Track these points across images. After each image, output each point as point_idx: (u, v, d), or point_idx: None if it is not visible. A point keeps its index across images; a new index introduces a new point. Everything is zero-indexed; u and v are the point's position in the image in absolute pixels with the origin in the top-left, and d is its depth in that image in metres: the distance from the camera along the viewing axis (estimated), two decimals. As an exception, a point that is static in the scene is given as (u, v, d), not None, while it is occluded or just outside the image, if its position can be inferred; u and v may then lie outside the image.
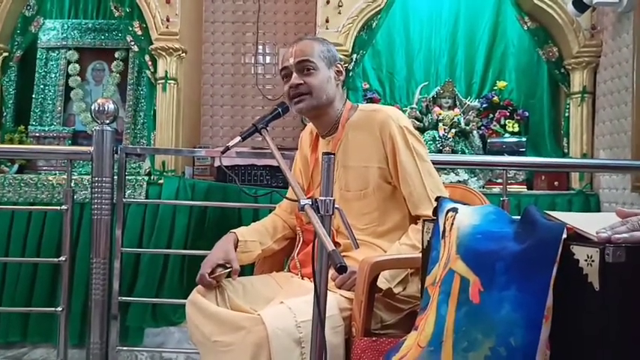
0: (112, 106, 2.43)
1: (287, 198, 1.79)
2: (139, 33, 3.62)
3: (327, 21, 3.57)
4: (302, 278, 1.74)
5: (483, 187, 3.46)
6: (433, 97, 3.78)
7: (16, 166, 3.51)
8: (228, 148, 1.56)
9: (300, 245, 1.81)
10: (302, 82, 1.69)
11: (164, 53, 3.53)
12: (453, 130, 3.63)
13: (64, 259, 2.45)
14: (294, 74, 1.70)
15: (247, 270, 2.06)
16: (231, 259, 1.69)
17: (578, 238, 0.96)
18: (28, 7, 3.83)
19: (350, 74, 3.65)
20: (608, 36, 3.31)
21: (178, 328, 3.11)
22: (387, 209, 1.71)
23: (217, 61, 4.26)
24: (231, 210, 3.13)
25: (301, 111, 1.72)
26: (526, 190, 3.46)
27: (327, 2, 3.57)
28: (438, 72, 3.92)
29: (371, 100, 3.76)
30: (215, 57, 4.26)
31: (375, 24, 3.65)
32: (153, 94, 3.62)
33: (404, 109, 3.73)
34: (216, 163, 3.47)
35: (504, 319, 0.95)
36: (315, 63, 1.70)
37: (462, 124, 3.65)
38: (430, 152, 3.38)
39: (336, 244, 1.70)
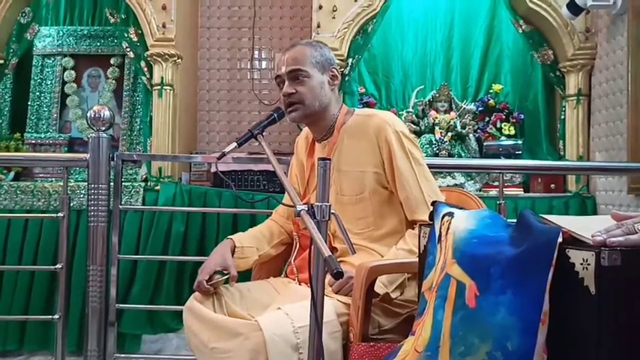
0: (107, 113, 2.43)
1: (283, 204, 1.79)
2: (135, 39, 3.62)
3: (323, 26, 3.57)
4: (299, 284, 1.74)
5: (480, 190, 3.46)
6: (429, 100, 3.78)
7: (12, 174, 3.50)
8: (224, 154, 1.56)
9: (296, 251, 1.82)
10: (294, 90, 1.70)
11: (160, 59, 3.53)
12: (450, 134, 3.63)
13: (60, 266, 2.44)
14: (286, 82, 1.71)
15: (244, 276, 2.06)
16: (229, 265, 1.69)
17: (574, 241, 0.96)
18: (24, 14, 3.82)
19: (346, 79, 3.65)
20: (603, 38, 3.32)
21: (176, 334, 3.10)
22: (383, 214, 1.71)
23: (213, 67, 4.26)
24: (228, 216, 3.12)
25: (294, 120, 1.74)
26: (523, 192, 3.46)
27: (323, 7, 3.57)
28: (433, 76, 3.93)
29: (367, 105, 3.76)
30: (211, 62, 4.26)
31: (370, 28, 3.66)
32: (149, 100, 3.61)
33: (400, 113, 3.73)
34: (213, 169, 3.46)
35: (501, 324, 0.95)
36: (306, 71, 1.70)
37: (458, 128, 3.65)
38: (427, 156, 3.41)
39: (333, 249, 1.70)
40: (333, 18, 3.55)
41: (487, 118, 3.75)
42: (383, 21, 3.71)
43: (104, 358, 2.39)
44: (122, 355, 2.69)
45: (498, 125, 3.70)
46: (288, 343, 1.39)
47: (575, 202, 3.28)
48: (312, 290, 1.21)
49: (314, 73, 1.71)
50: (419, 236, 1.34)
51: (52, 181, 3.40)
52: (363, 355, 1.44)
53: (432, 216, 1.26)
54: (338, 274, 1.02)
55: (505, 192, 2.79)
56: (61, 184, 2.65)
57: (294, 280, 1.77)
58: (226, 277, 1.67)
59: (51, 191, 3.20)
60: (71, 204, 2.57)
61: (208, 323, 1.50)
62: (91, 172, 2.39)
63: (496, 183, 3.38)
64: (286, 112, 1.72)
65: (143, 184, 3.30)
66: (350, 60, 3.62)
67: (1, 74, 3.78)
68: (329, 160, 1.28)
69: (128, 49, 3.66)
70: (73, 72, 3.85)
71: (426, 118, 3.72)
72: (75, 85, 3.85)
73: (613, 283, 0.89)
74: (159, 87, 3.53)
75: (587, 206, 3.28)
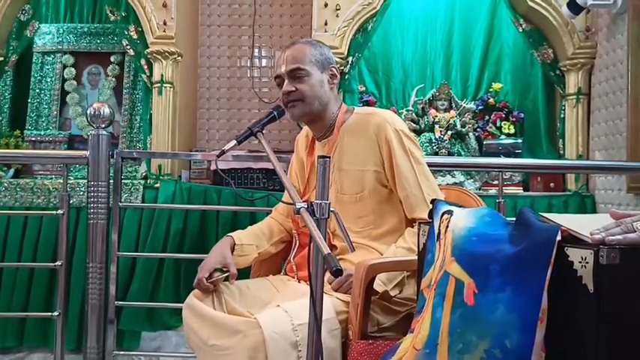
0: (107, 111, 2.43)
1: (283, 201, 1.79)
2: (135, 37, 3.61)
3: (323, 24, 3.57)
4: (298, 281, 1.75)
5: (480, 189, 3.46)
6: (429, 99, 3.78)
7: (12, 171, 3.50)
8: (224, 152, 1.56)
9: (296, 248, 1.82)
10: (294, 88, 1.71)
11: (160, 57, 3.52)
12: (449, 132, 3.63)
13: (60, 263, 2.45)
14: (286, 81, 1.72)
15: (243, 273, 2.07)
16: (229, 263, 1.69)
17: (573, 240, 0.96)
18: (24, 12, 3.82)
19: (346, 77, 3.65)
20: (603, 37, 3.32)
21: (175, 332, 3.10)
22: (383, 212, 1.71)
23: (213, 65, 4.26)
24: (227, 213, 3.12)
25: (294, 115, 1.74)
26: (522, 191, 3.46)
27: (324, 5, 3.57)
28: (433, 74, 3.92)
29: (367, 103, 3.76)
30: (211, 60, 4.26)
31: (370, 27, 3.65)
32: (149, 97, 3.61)
33: (400, 111, 3.73)
34: (213, 167, 3.46)
35: (499, 321, 0.95)
36: (306, 69, 1.71)
37: (458, 126, 3.65)
38: (426, 154, 3.41)
39: (333, 247, 1.71)
40: (337, 17, 3.55)
41: (487, 117, 3.75)
42: (383, 19, 3.70)
43: (103, 356, 2.39)
44: (121, 353, 2.69)
45: (498, 124, 3.70)
46: (288, 340, 1.39)
47: (574, 201, 3.29)
48: (311, 288, 1.21)
49: (313, 71, 1.72)
50: (418, 234, 1.34)
51: (51, 178, 3.40)
52: (362, 352, 1.44)
53: (431, 214, 1.26)
54: (337, 272, 1.02)
55: (504, 191, 2.79)
56: (61, 181, 2.65)
57: (294, 277, 1.77)
58: (226, 274, 1.67)
59: (51, 188, 3.20)
60: (71, 201, 2.57)
61: (208, 321, 1.50)
62: (90, 170, 2.39)
63: (496, 182, 3.39)
64: (286, 108, 1.72)
65: (143, 181, 3.30)
66: (350, 58, 3.62)
67: (1, 71, 3.78)
68: (328, 157, 1.28)
69: (128, 47, 3.66)
70: (73, 69, 3.84)
71: (425, 117, 3.72)
72: (75, 82, 3.84)
73: (611, 282, 0.89)
74: (159, 85, 3.53)
75: (586, 205, 3.28)
